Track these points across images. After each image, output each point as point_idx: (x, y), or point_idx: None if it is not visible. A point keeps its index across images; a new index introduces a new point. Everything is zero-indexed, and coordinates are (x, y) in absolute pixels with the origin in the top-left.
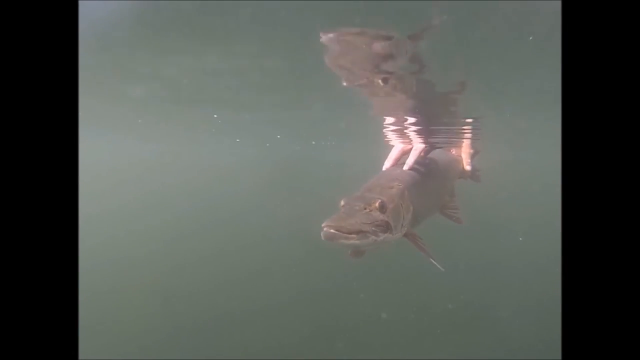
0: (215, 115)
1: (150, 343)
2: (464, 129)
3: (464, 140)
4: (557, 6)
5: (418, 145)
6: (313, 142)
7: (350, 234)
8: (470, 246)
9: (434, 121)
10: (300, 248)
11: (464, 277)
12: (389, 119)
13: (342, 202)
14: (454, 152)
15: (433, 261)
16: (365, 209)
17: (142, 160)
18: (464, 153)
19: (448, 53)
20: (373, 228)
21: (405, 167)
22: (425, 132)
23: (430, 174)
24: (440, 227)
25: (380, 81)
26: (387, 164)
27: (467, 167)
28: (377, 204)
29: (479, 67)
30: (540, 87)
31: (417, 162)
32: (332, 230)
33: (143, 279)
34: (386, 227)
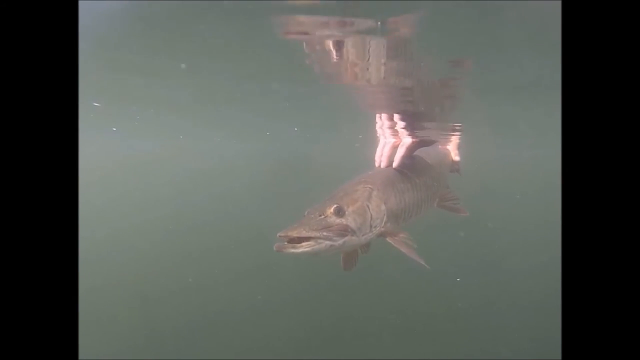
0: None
1: (137, 343)
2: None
3: (453, 135)
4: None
5: (405, 141)
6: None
7: (300, 242)
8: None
9: (423, 108)
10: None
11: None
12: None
13: (306, 213)
14: (442, 146)
15: (419, 260)
16: (320, 215)
17: (128, 158)
18: (452, 146)
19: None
20: (325, 233)
21: (394, 165)
22: (415, 126)
23: (414, 171)
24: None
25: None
26: (383, 163)
27: (456, 158)
28: (331, 210)
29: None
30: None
31: (403, 159)
32: (281, 243)
33: (131, 279)
34: (345, 230)
